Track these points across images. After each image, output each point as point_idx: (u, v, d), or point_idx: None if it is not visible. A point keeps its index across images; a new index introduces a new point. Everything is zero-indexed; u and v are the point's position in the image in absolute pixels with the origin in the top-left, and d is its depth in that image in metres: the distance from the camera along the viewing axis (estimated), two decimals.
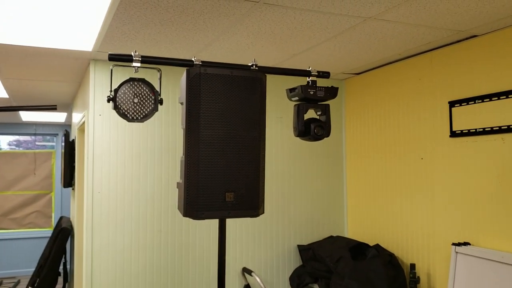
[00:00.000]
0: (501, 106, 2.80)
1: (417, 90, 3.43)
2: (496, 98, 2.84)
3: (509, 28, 2.76)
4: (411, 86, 3.49)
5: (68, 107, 6.08)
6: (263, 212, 2.19)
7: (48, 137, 8.19)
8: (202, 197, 2.06)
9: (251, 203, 2.13)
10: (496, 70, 2.84)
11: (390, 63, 3.67)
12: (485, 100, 2.91)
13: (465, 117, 3.03)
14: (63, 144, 4.93)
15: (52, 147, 7.95)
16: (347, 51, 3.28)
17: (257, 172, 2.13)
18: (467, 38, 3.00)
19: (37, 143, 8.47)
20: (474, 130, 2.97)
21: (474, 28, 2.77)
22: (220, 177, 2.08)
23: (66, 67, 3.82)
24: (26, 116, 6.68)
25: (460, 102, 3.08)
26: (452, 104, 3.13)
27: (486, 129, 2.89)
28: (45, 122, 7.61)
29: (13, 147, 8.94)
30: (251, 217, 2.13)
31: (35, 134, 7.80)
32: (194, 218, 2.05)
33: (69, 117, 6.86)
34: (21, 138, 8.81)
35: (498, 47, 2.83)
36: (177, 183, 2.18)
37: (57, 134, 7.91)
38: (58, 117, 6.92)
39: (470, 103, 3.01)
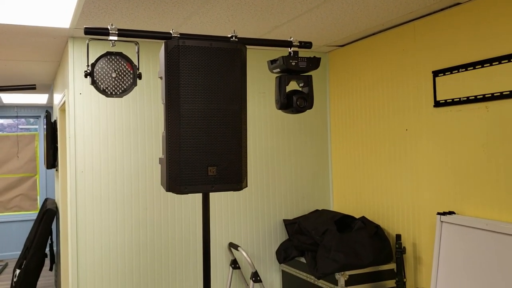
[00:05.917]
0: (485, 74, 2.79)
1: (401, 60, 3.41)
2: (480, 66, 2.82)
3: None
4: (395, 57, 3.46)
5: (49, 88, 5.97)
6: (247, 186, 2.17)
7: (32, 120, 8.07)
8: (185, 171, 2.04)
9: (234, 177, 2.11)
10: (479, 38, 2.82)
11: (374, 34, 3.63)
12: (468, 68, 2.89)
13: (449, 87, 3.02)
14: (45, 126, 4.85)
15: (36, 130, 7.83)
16: (329, 22, 3.23)
17: (239, 145, 2.11)
18: (450, 6, 2.97)
19: (20, 126, 8.34)
20: (458, 99, 2.96)
21: None
22: (202, 151, 2.05)
23: (44, 46, 3.72)
24: (6, 98, 6.55)
25: (443, 71, 3.06)
26: (435, 73, 3.11)
27: (470, 98, 2.88)
28: (27, 104, 7.48)
29: None
30: (234, 190, 2.11)
31: (17, 117, 7.67)
32: (177, 193, 2.03)
33: (51, 98, 6.74)
34: (5, 122, 8.67)
35: (482, 14, 2.80)
36: (159, 158, 2.15)
37: (40, 116, 7.79)
38: (40, 98, 6.80)
39: (454, 72, 2.99)
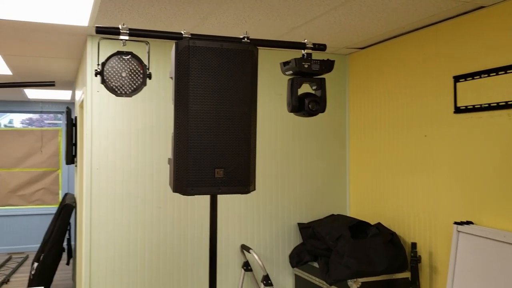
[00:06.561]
0: (507, 80, 2.70)
1: (422, 65, 3.33)
2: (503, 72, 2.73)
3: None
4: (416, 61, 3.38)
5: (72, 84, 6.05)
6: (254, 189, 2.14)
7: (59, 116, 8.21)
8: (192, 173, 2.02)
9: (241, 180, 2.08)
10: (503, 43, 2.73)
11: (395, 37, 3.55)
12: (491, 74, 2.80)
13: (470, 93, 2.93)
14: (65, 122, 4.91)
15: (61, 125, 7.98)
16: (347, 24, 3.17)
17: (248, 148, 2.08)
18: (473, 10, 2.88)
19: (47, 121, 8.49)
20: (479, 106, 2.87)
21: None
22: (210, 153, 2.03)
23: (64, 43, 3.76)
24: (31, 93, 6.67)
25: (465, 77, 2.97)
26: (456, 79, 3.03)
27: (492, 105, 2.79)
28: (51, 100, 7.61)
29: (25, 125, 9.00)
30: (241, 193, 2.08)
31: (41, 112, 7.81)
32: (183, 194, 2.01)
33: (74, 95, 6.84)
34: (33, 116, 8.84)
35: (506, 18, 2.71)
36: (168, 159, 2.14)
37: (64, 112, 7.92)
38: (63, 94, 6.91)
39: (475, 77, 2.90)
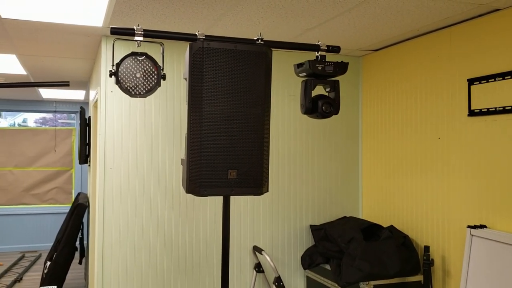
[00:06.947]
0: None
1: (436, 67, 3.31)
2: None
3: None
4: (430, 63, 3.36)
5: (86, 84, 6.10)
6: (267, 191, 2.14)
7: (72, 115, 8.28)
8: (205, 174, 2.02)
9: (254, 181, 2.08)
10: None
11: (409, 39, 3.53)
12: (506, 77, 2.78)
13: (485, 95, 2.90)
14: (79, 121, 4.95)
15: (75, 125, 8.04)
16: (361, 26, 3.16)
17: (261, 150, 2.08)
18: (488, 12, 2.86)
19: (61, 121, 8.56)
20: (493, 109, 2.85)
21: (497, 0, 2.63)
22: (223, 154, 2.03)
23: (79, 44, 3.80)
24: (45, 93, 6.73)
25: (479, 79, 2.95)
26: (471, 81, 3.00)
27: (507, 108, 2.76)
28: (65, 100, 7.67)
29: (39, 124, 9.10)
30: (254, 195, 2.08)
31: (55, 112, 7.88)
32: (196, 195, 2.02)
33: (88, 95, 6.89)
34: (47, 116, 8.93)
35: None
36: (181, 159, 2.15)
37: (78, 112, 7.98)
38: (77, 94, 6.96)
39: (490, 80, 2.88)
